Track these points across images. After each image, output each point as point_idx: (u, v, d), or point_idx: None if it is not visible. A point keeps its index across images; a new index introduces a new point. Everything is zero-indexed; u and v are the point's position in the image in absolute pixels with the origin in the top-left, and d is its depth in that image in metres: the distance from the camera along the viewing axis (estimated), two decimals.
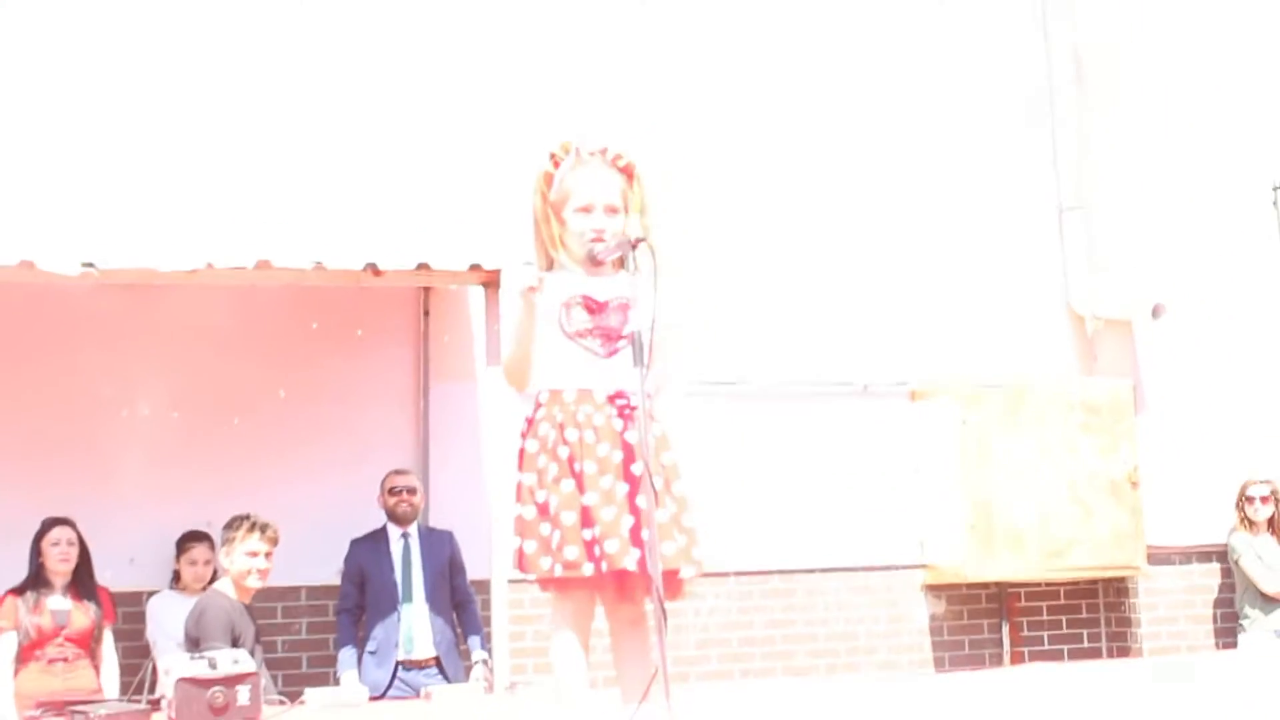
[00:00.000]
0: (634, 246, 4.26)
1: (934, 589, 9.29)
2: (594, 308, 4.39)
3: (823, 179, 9.38)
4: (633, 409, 4.25)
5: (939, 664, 9.22)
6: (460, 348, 8.56)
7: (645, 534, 4.06)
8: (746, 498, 8.76)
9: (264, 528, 7.07)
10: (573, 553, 4.17)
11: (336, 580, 7.87)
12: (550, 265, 4.46)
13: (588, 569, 4.16)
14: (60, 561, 7.19)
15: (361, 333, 8.35)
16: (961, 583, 9.17)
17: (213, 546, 7.50)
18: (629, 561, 4.10)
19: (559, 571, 4.19)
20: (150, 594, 7.77)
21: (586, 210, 4.41)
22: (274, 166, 8.39)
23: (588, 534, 4.17)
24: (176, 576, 7.79)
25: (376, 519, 7.84)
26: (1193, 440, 9.57)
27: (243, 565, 7.04)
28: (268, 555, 7.08)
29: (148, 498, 7.98)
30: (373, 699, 7.11)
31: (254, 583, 7.09)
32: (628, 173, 4.50)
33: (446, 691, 7.10)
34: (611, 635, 4.44)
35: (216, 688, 5.97)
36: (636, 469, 4.17)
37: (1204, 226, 9.72)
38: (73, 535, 7.24)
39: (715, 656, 8.80)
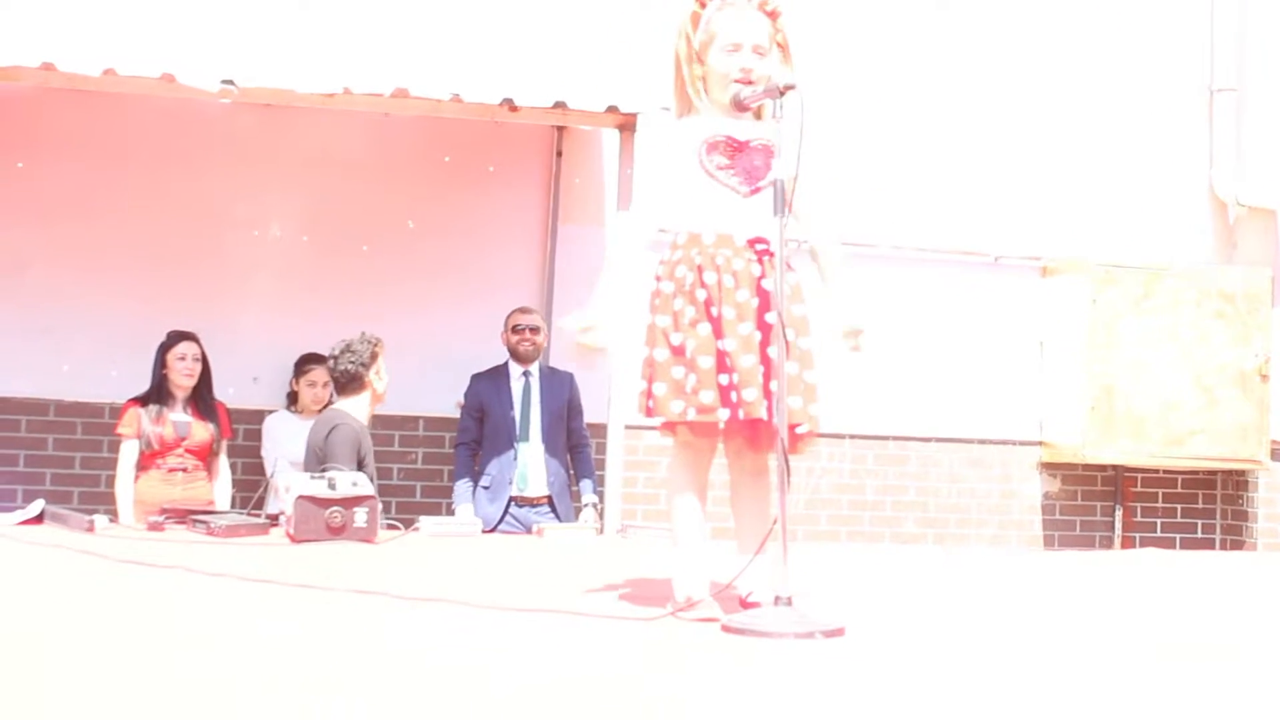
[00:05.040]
0: (782, 93, 4.16)
1: (1049, 467, 9.22)
2: (735, 146, 4.33)
3: (969, 45, 9.19)
4: (770, 255, 4.20)
5: (1048, 542, 9.18)
6: (591, 190, 8.52)
7: (774, 385, 4.01)
8: (868, 361, 8.66)
9: None
10: (708, 397, 4.10)
11: (454, 412, 7.94)
12: (689, 110, 4.37)
13: (723, 414, 4.10)
14: (184, 376, 7.23)
15: (493, 169, 8.34)
16: (1078, 463, 9.09)
17: None
18: (765, 410, 4.05)
19: (692, 415, 4.13)
20: (270, 413, 7.90)
21: (734, 50, 4.33)
22: None
23: (724, 379, 4.11)
24: (293, 397, 7.88)
25: (498, 355, 7.84)
26: None
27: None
28: None
29: (273, 318, 8.09)
30: (485, 532, 7.18)
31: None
32: (774, 17, 4.43)
33: (558, 530, 7.15)
34: (732, 486, 4.41)
35: (335, 508, 6.05)
36: (770, 318, 4.11)
37: None
38: (198, 351, 7.27)
39: (824, 518, 8.81)
